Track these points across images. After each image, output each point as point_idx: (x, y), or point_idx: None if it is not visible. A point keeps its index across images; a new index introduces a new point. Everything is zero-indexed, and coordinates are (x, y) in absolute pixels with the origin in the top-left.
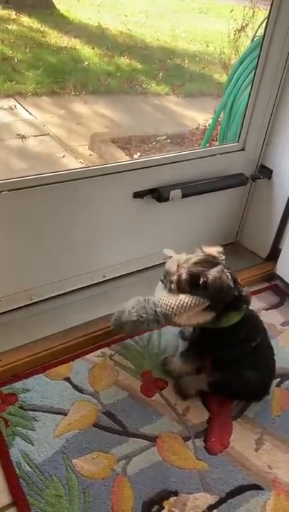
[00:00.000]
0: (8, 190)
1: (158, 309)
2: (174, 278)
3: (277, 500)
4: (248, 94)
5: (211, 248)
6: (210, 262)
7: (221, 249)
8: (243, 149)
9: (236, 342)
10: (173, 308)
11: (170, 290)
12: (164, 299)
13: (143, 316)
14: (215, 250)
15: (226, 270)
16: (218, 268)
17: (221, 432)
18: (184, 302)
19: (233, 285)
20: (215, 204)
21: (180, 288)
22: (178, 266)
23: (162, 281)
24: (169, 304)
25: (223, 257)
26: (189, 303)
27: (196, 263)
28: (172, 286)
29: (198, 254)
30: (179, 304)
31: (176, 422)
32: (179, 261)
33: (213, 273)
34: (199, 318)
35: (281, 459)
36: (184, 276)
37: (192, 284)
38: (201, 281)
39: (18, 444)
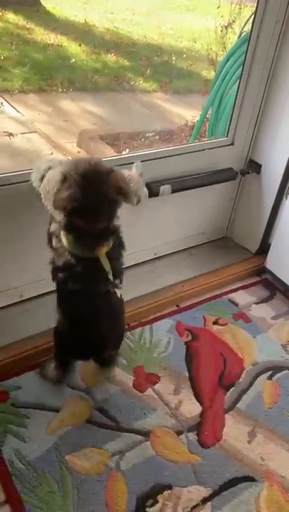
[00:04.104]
0: None
1: None
2: None
3: (271, 491)
4: (236, 89)
5: None
6: None
7: None
8: (232, 144)
9: None
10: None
11: None
12: None
13: None
14: None
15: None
16: None
17: (214, 425)
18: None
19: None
20: (204, 199)
21: None
22: None
23: None
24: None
25: None
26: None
27: None
28: None
29: None
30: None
31: (168, 416)
32: None
33: None
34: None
35: (273, 450)
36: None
37: None
38: None
39: (10, 441)
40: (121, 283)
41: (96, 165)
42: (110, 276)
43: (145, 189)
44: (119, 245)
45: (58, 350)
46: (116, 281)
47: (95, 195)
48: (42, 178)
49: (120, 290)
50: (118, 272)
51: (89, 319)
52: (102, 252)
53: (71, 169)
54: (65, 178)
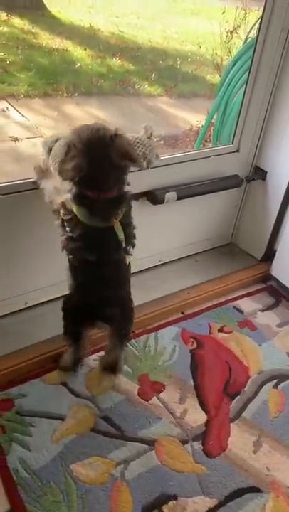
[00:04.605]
0: (3, 194)
1: None
2: None
3: (276, 502)
4: (242, 95)
5: None
6: None
7: None
8: (237, 151)
9: None
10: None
11: None
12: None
13: None
14: None
15: None
16: None
17: (219, 434)
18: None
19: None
20: (209, 206)
21: None
22: None
23: None
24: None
25: None
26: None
27: None
28: None
29: None
30: None
31: (173, 425)
32: None
33: None
34: None
35: (279, 460)
36: None
37: None
38: None
39: (15, 450)
40: (133, 247)
41: (99, 131)
42: (123, 244)
43: (156, 152)
44: (128, 211)
45: (65, 317)
46: (128, 248)
47: (100, 162)
48: (50, 151)
49: (130, 257)
50: (130, 237)
51: (94, 286)
52: (116, 220)
53: (74, 138)
54: (69, 148)
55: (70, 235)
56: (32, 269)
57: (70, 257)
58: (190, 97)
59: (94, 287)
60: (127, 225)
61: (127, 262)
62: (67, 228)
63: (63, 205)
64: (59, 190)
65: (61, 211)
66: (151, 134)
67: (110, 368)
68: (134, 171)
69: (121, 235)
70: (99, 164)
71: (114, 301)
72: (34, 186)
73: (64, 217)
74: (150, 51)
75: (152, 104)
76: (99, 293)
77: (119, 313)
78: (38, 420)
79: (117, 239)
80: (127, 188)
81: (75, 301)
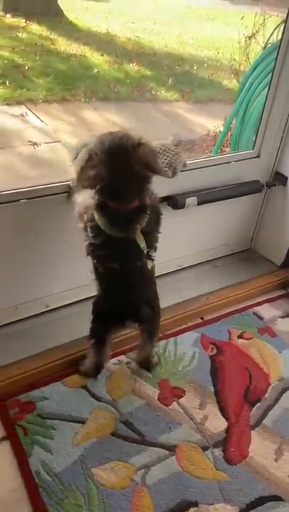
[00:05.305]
0: (27, 199)
1: None
2: None
3: None
4: (261, 101)
5: None
6: None
7: None
8: (258, 156)
9: None
10: None
11: None
12: None
13: None
14: None
15: None
16: None
17: (240, 441)
18: None
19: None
20: (229, 211)
21: None
22: None
23: None
24: None
25: None
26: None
27: None
28: None
29: None
30: None
31: (194, 431)
32: None
33: None
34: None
35: None
36: None
37: None
38: None
39: (37, 452)
40: (155, 251)
41: (122, 139)
42: (145, 250)
43: (184, 160)
44: (157, 218)
45: (95, 320)
46: (150, 253)
47: (122, 172)
48: (76, 157)
49: (152, 261)
50: (152, 243)
51: (120, 291)
52: (137, 231)
53: (97, 146)
54: (90, 157)
55: (93, 241)
56: (53, 272)
57: (95, 261)
58: (206, 102)
59: (120, 293)
60: (150, 233)
61: (149, 267)
62: (91, 234)
63: (87, 210)
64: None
65: (85, 216)
66: (178, 142)
67: (144, 364)
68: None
69: (142, 243)
70: (120, 174)
71: (142, 302)
72: (56, 191)
73: (87, 223)
74: (166, 56)
75: (169, 109)
76: (126, 298)
77: (148, 312)
78: (59, 423)
79: (138, 247)
80: (153, 196)
81: (104, 304)
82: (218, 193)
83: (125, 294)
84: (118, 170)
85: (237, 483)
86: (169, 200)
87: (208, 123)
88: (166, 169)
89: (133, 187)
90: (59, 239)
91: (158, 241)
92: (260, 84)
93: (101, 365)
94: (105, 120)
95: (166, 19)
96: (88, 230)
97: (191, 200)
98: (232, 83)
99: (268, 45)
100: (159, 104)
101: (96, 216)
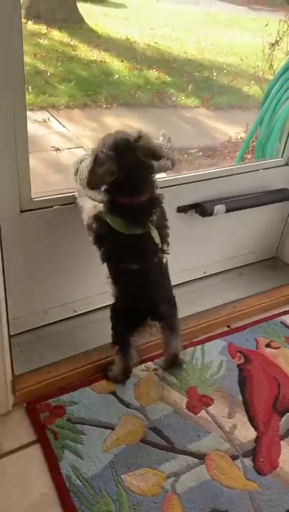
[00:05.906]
0: (60, 205)
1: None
2: None
3: None
4: (288, 109)
5: None
6: None
7: None
8: (286, 164)
9: None
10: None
11: None
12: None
13: None
14: None
15: None
16: None
17: (269, 451)
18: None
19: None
20: (255, 218)
21: None
22: None
23: None
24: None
25: None
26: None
27: None
28: None
29: None
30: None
31: (223, 439)
32: None
33: None
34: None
35: None
36: None
37: None
38: None
39: (67, 457)
40: (168, 246)
41: (123, 134)
42: (159, 245)
43: (176, 155)
44: (162, 213)
45: (114, 325)
46: (164, 247)
47: (129, 164)
48: (77, 172)
49: (166, 256)
50: (165, 238)
51: (142, 291)
52: (152, 225)
53: (100, 147)
54: (96, 156)
55: (109, 247)
56: (80, 278)
57: (111, 266)
58: (226, 109)
59: (142, 292)
60: (163, 227)
61: (164, 261)
62: (104, 242)
63: (96, 218)
64: (96, 207)
65: (94, 225)
66: (169, 138)
67: (173, 361)
68: (182, 184)
69: (157, 239)
70: (128, 166)
71: (161, 299)
72: None
73: (99, 232)
74: (186, 63)
75: (190, 115)
76: (145, 296)
77: (168, 308)
78: (88, 428)
79: (154, 242)
80: (158, 191)
81: (123, 307)
82: (246, 200)
83: (145, 292)
84: (126, 163)
85: (268, 494)
86: (198, 207)
87: (229, 129)
88: (166, 161)
89: (143, 178)
90: (86, 245)
91: (169, 235)
92: (285, 93)
93: (129, 369)
94: (127, 126)
95: (184, 25)
96: (100, 238)
97: (220, 208)
98: (252, 89)
99: None
100: (179, 110)
101: (108, 219)
